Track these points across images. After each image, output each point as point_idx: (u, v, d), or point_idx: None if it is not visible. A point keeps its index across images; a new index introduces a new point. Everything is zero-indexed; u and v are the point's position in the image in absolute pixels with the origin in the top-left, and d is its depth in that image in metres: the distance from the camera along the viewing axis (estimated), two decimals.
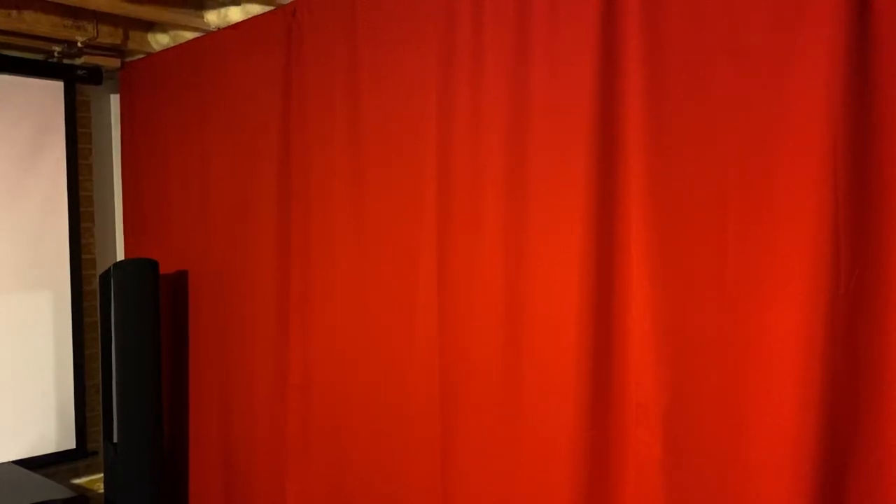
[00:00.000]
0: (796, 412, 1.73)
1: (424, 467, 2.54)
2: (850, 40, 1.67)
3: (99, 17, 3.53)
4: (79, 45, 3.57)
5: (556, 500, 2.16)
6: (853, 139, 1.68)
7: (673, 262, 1.94)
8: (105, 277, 3.50)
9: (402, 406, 2.63)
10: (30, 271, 3.75)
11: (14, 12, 3.30)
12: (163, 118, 3.76)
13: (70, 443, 3.88)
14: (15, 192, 3.70)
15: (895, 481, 1.68)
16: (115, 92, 4.13)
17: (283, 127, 3.08)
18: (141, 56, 3.92)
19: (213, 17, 3.43)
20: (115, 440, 3.38)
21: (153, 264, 3.43)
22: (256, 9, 3.24)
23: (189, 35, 3.61)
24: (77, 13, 3.45)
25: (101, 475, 3.84)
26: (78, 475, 3.94)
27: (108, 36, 3.61)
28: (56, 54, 3.70)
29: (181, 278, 3.66)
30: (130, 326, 3.35)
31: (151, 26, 3.74)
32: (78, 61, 3.78)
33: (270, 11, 3.16)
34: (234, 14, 3.34)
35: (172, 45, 3.70)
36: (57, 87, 3.81)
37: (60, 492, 3.16)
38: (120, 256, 4.11)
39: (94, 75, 3.92)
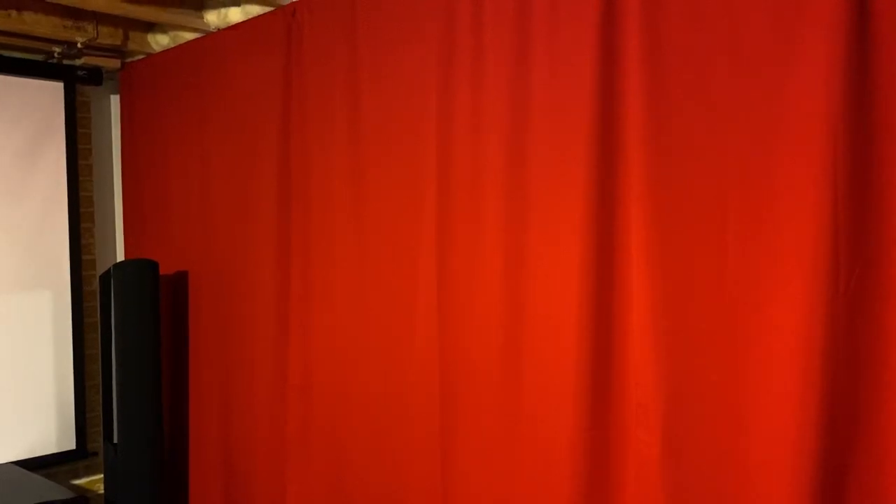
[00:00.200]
0: (796, 412, 1.73)
1: (424, 467, 2.54)
2: (850, 41, 1.67)
3: (99, 17, 3.53)
4: (79, 45, 3.57)
5: (556, 500, 2.16)
6: (853, 139, 1.68)
7: (673, 262, 1.94)
8: (105, 278, 3.50)
9: (402, 406, 2.63)
10: (30, 271, 3.75)
11: (14, 13, 3.30)
12: (163, 119, 3.76)
13: (70, 443, 3.88)
14: (15, 193, 3.70)
15: (895, 481, 1.69)
16: (115, 92, 4.13)
17: (283, 127, 3.08)
18: (141, 57, 3.92)
19: (212, 18, 3.43)
20: (115, 441, 3.38)
21: (153, 265, 3.43)
22: (256, 9, 3.24)
23: (189, 36, 3.61)
24: (77, 14, 3.45)
25: (101, 476, 3.83)
26: (78, 476, 3.94)
27: (108, 37, 3.61)
28: (56, 55, 3.70)
29: (181, 278, 3.66)
30: (130, 327, 3.35)
31: (151, 27, 3.74)
32: (78, 62, 3.78)
33: (270, 12, 3.16)
34: (234, 14, 3.34)
35: (172, 45, 3.70)
36: (57, 87, 3.82)
37: (60, 492, 3.16)
38: (120, 257, 4.11)
39: (95, 76, 3.93)
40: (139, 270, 3.40)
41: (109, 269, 3.44)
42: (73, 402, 3.88)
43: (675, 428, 1.94)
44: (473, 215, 2.38)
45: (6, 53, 3.65)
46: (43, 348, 3.80)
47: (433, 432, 2.50)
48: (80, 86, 3.92)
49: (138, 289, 3.37)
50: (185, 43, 3.63)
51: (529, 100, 2.22)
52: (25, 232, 3.73)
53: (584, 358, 2.09)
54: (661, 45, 1.95)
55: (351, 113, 2.79)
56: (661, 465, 1.95)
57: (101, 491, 3.79)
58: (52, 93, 3.80)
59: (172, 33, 3.68)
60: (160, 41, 3.75)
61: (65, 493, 3.16)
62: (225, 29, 3.40)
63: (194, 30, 3.54)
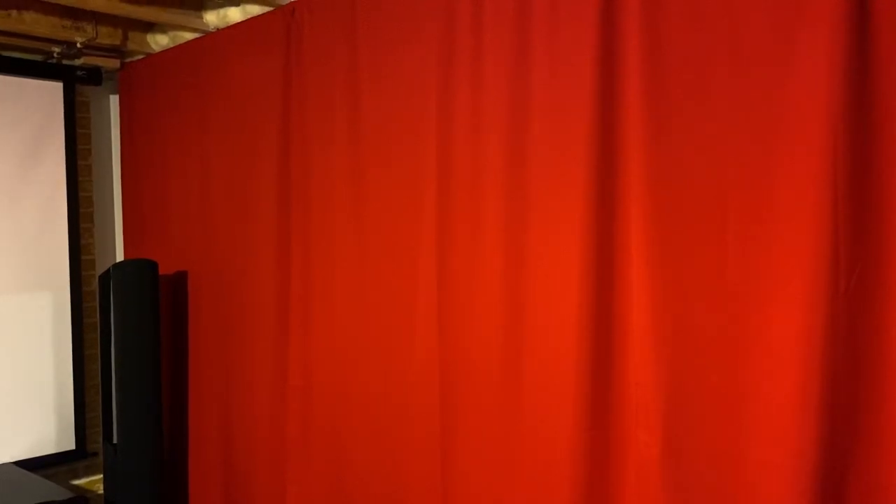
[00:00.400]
0: (796, 412, 1.73)
1: (424, 467, 2.54)
2: (850, 40, 1.67)
3: (98, 17, 3.53)
4: (78, 45, 3.57)
5: (556, 500, 2.16)
6: (853, 139, 1.68)
7: (673, 262, 1.94)
8: (105, 278, 3.50)
9: (402, 406, 2.63)
10: (29, 272, 3.74)
11: (14, 13, 3.30)
12: (162, 119, 3.76)
13: (70, 443, 3.88)
14: (14, 193, 3.69)
15: (895, 481, 1.69)
16: (114, 93, 4.13)
17: (283, 127, 3.08)
18: (140, 57, 3.92)
19: (212, 18, 3.43)
20: (114, 441, 3.37)
21: (152, 265, 3.43)
22: (256, 9, 3.24)
23: (188, 35, 3.61)
24: (76, 14, 3.45)
25: (101, 476, 3.83)
26: (77, 476, 3.94)
27: (107, 37, 3.61)
28: (55, 55, 3.70)
29: (181, 279, 3.66)
30: (130, 327, 3.34)
31: (151, 27, 3.74)
32: (77, 62, 3.78)
33: (270, 11, 3.16)
34: (234, 14, 3.34)
35: (172, 45, 3.70)
36: (56, 87, 3.81)
37: (60, 493, 3.16)
38: (119, 257, 4.11)
39: (94, 76, 3.92)
40: (139, 270, 3.40)
41: (109, 269, 3.44)
42: (72, 403, 3.88)
43: (675, 428, 1.94)
44: (473, 215, 2.38)
45: (5, 53, 3.65)
46: (42, 348, 3.79)
47: (433, 432, 2.50)
48: (79, 86, 3.91)
49: (138, 289, 3.37)
50: (185, 43, 3.63)
51: (529, 100, 2.22)
52: (25, 232, 3.72)
53: (584, 358, 2.09)
54: (661, 45, 1.95)
55: (351, 113, 2.79)
56: (661, 466, 1.95)
57: (101, 491, 3.79)
58: (51, 93, 3.79)
59: (172, 33, 3.67)
60: (159, 41, 3.74)
61: (64, 494, 3.16)
62: (224, 29, 3.40)
63: (194, 30, 3.53)
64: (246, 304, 3.28)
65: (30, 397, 3.75)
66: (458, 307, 2.43)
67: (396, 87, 2.63)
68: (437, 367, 2.49)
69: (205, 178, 3.49)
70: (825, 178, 1.70)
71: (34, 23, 3.37)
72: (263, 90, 3.16)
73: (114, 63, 3.91)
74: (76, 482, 3.92)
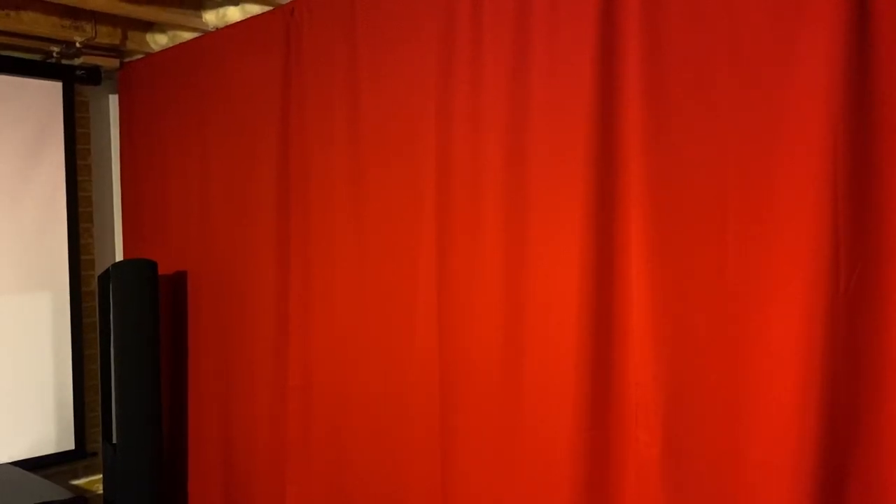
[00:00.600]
0: (796, 412, 1.73)
1: (424, 467, 2.54)
2: (850, 41, 1.67)
3: (97, 17, 3.52)
4: (77, 45, 3.56)
5: (555, 500, 2.16)
6: (853, 139, 1.68)
7: (673, 262, 1.94)
8: (104, 278, 3.50)
9: (402, 406, 2.63)
10: (29, 272, 3.74)
11: (13, 12, 3.30)
12: (161, 118, 3.75)
13: (69, 443, 3.88)
14: (14, 193, 3.69)
15: (895, 481, 1.69)
16: (113, 92, 4.13)
17: (283, 127, 3.07)
18: (140, 56, 3.91)
19: (211, 17, 3.42)
20: (114, 441, 3.37)
21: (152, 265, 3.43)
22: (255, 9, 3.24)
23: (188, 35, 3.61)
24: (76, 13, 3.45)
25: (101, 476, 3.83)
26: (77, 476, 3.94)
27: (106, 36, 3.60)
28: (55, 55, 3.70)
29: (181, 279, 3.66)
30: (129, 327, 3.34)
31: (150, 26, 3.74)
32: (77, 61, 3.77)
33: (269, 11, 3.16)
34: (233, 14, 3.34)
35: (171, 45, 3.70)
36: (55, 87, 3.81)
37: (59, 493, 3.15)
38: (119, 257, 4.11)
39: (93, 75, 3.92)
40: (138, 270, 3.40)
41: (108, 268, 3.44)
42: (72, 403, 3.88)
43: (675, 428, 1.94)
44: (473, 215, 2.38)
45: (5, 53, 3.64)
46: (42, 348, 3.79)
47: (433, 432, 2.50)
48: (78, 85, 3.91)
49: (137, 289, 3.37)
50: (184, 42, 3.63)
51: (529, 99, 2.22)
52: (24, 232, 3.72)
53: (584, 358, 2.09)
54: (661, 44, 1.95)
55: (350, 112, 2.79)
56: (661, 466, 1.95)
57: (101, 491, 3.78)
58: (50, 92, 3.79)
59: (171, 33, 3.67)
60: (159, 41, 3.74)
61: (64, 494, 3.15)
62: (223, 28, 3.40)
63: (193, 29, 3.53)
64: (246, 303, 3.28)
65: (29, 397, 3.75)
66: (458, 307, 2.43)
67: (396, 86, 2.62)
68: (436, 367, 2.49)
69: (204, 178, 3.49)
70: (825, 178, 1.70)
71: (33, 22, 3.36)
72: (263, 90, 3.16)
73: (113, 63, 3.91)
74: (76, 482, 3.92)
